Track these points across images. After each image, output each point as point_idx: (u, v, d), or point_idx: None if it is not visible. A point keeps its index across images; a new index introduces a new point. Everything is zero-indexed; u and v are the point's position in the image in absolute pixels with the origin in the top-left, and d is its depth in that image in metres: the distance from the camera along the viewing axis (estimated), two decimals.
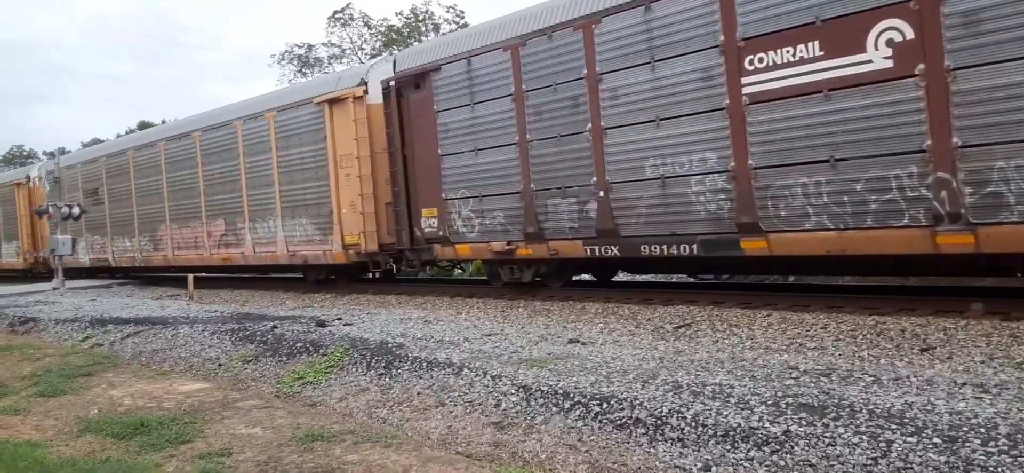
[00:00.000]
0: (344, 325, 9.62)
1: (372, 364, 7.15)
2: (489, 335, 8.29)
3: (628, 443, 4.83)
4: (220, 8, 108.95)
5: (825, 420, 4.51)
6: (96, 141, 49.91)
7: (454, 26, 39.19)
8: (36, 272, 26.17)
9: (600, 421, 5.14)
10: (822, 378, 5.43)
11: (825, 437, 4.32)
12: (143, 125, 49.30)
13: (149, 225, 20.07)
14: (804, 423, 4.51)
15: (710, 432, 4.62)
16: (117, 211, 21.35)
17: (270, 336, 8.90)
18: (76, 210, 20.99)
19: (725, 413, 4.78)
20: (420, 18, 41.02)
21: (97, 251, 22.54)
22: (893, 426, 4.33)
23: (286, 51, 43.91)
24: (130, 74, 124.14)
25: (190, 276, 17.26)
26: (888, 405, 4.64)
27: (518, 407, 5.64)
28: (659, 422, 4.88)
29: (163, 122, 44.78)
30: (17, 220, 26.31)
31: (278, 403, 6.48)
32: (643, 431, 4.88)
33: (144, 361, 8.92)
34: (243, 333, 9.25)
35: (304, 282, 17.71)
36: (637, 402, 5.16)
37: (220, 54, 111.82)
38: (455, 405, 5.94)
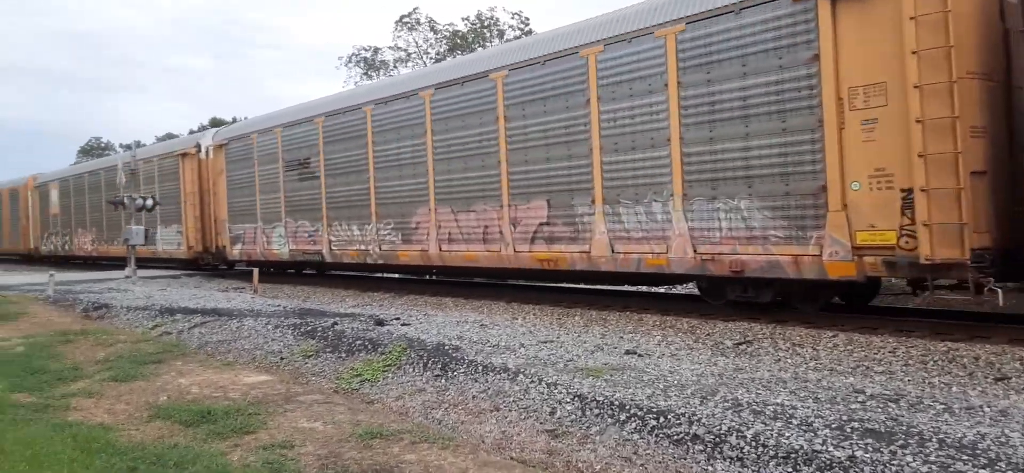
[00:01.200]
0: (402, 325, 9.75)
1: (429, 365, 7.22)
2: (545, 342, 8.28)
3: (685, 459, 4.76)
4: (290, 9, 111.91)
5: (892, 447, 4.37)
6: (169, 136, 51.64)
7: (519, 32, 39.34)
8: (203, 264, 22.96)
9: (656, 435, 5.08)
10: (890, 403, 5.26)
11: (892, 465, 4.18)
12: (215, 122, 50.82)
13: (396, 207, 14.64)
14: (870, 449, 4.38)
15: (771, 453, 4.52)
16: (340, 187, 16.25)
17: (330, 332, 9.07)
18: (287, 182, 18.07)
19: (787, 434, 4.67)
20: (485, 24, 41.34)
21: (303, 241, 17.73)
22: (965, 457, 4.16)
23: (353, 54, 44.81)
24: (203, 70, 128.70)
25: (255, 270, 17.70)
26: (960, 435, 4.47)
27: (573, 416, 5.62)
28: (718, 440, 4.80)
29: (234, 120, 46.09)
30: (181, 200, 22.82)
31: (338, 399, 6.60)
32: (701, 448, 4.81)
33: (210, 351, 9.20)
34: (305, 328, 9.45)
35: (363, 280, 18.13)
36: (695, 418, 5.09)
37: (288, 53, 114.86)
38: (510, 410, 5.95)
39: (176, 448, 5.05)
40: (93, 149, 73.13)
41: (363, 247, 15.62)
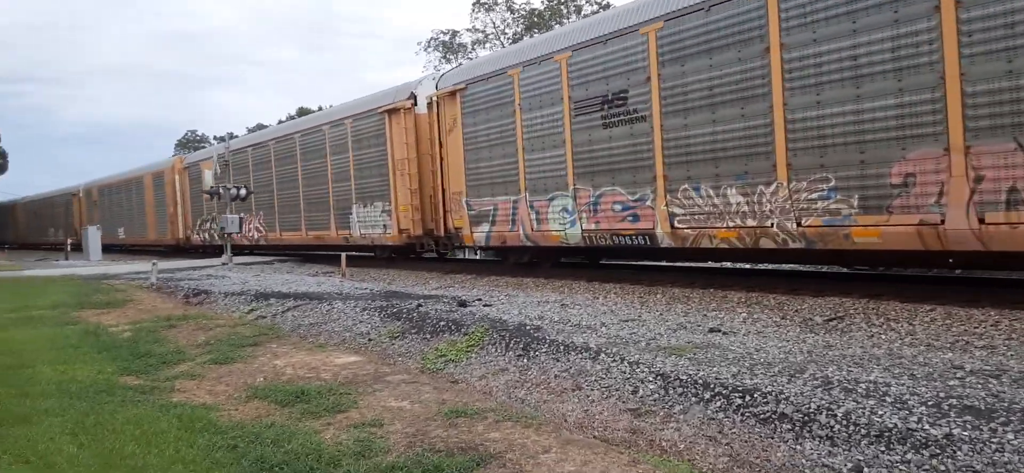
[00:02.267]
0: (484, 306, 9.88)
1: (511, 345, 7.31)
2: (626, 321, 8.25)
3: (772, 438, 4.68)
4: None
5: (993, 425, 4.18)
6: (260, 126, 53.48)
7: (596, 8, 38.92)
8: (424, 251, 18.50)
9: (742, 414, 5.00)
10: (991, 380, 5.01)
11: (992, 442, 4.00)
12: (302, 111, 52.37)
13: (844, 151, 8.93)
14: (969, 427, 4.20)
15: (863, 431, 4.39)
16: (699, 128, 10.59)
17: (415, 314, 9.29)
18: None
19: (880, 412, 4.52)
20: (561, 1, 41.10)
21: (610, 216, 12.23)
22: None
23: (432, 38, 45.34)
24: (293, 61, 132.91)
25: (343, 254, 18.24)
26: None
27: (655, 395, 5.59)
28: (806, 418, 4.69)
29: (319, 108, 47.37)
30: (388, 169, 17.96)
31: (424, 378, 6.77)
32: (788, 427, 4.71)
33: (302, 333, 9.57)
34: (391, 310, 9.71)
35: (446, 262, 18.42)
36: (783, 396, 4.98)
37: (376, 41, 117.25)
38: (592, 390, 5.97)
39: (273, 427, 5.29)
40: (189, 142, 76.71)
41: (754, 222, 9.87)
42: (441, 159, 16.35)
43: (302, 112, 51.17)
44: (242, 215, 24.34)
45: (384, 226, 18.53)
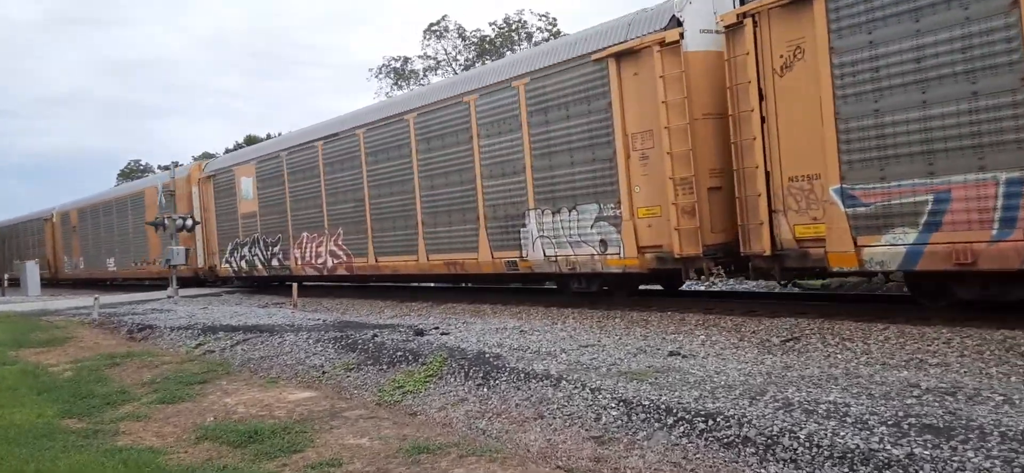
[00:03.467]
0: (441, 334, 9.74)
1: (470, 374, 7.19)
2: (586, 346, 8.21)
3: (737, 463, 4.66)
4: (325, 25, 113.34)
5: (952, 442, 4.22)
6: (206, 155, 52.53)
7: (548, 35, 39.31)
8: (699, 278, 10.95)
9: (706, 439, 4.98)
10: (947, 397, 5.09)
11: (953, 461, 4.04)
12: (250, 140, 51.56)
13: None
14: (929, 445, 4.24)
15: (826, 454, 4.40)
16: None
17: (371, 344, 9.10)
18: None
19: (842, 433, 4.54)
20: (512, 27, 41.39)
21: None
22: None
23: (383, 65, 45.18)
24: (239, 89, 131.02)
25: (294, 285, 17.87)
26: (1022, 427, 4.30)
27: (619, 422, 5.54)
28: (770, 441, 4.69)
29: (268, 136, 46.74)
30: (616, 146, 11.28)
31: (382, 412, 6.60)
32: (752, 450, 4.70)
33: (253, 368, 9.29)
34: (345, 341, 9.50)
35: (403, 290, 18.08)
36: (745, 419, 4.98)
37: (324, 69, 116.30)
38: (554, 418, 5.89)
39: (225, 470, 5.08)
40: (133, 171, 74.73)
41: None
42: (762, 121, 9.27)
43: (251, 140, 50.40)
44: (308, 234, 18.91)
45: (602, 243, 11.62)
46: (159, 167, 64.78)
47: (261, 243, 21.32)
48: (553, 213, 12.39)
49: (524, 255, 12.93)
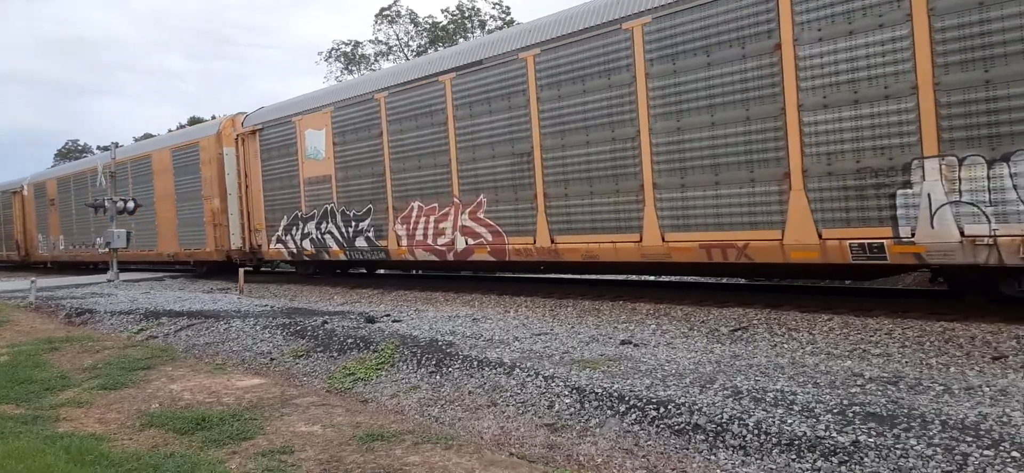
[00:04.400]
0: (393, 322, 9.67)
1: (422, 362, 7.16)
2: (539, 334, 8.24)
3: (687, 449, 4.74)
4: (272, 6, 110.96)
5: (895, 431, 4.37)
6: (148, 135, 51.03)
7: (501, 22, 39.21)
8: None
9: (657, 426, 5.05)
10: (890, 386, 5.26)
11: (897, 448, 4.18)
12: (194, 120, 50.27)
13: None
14: (874, 433, 4.37)
15: (774, 441, 4.50)
16: None
17: (321, 331, 8.98)
18: None
19: (789, 421, 4.66)
20: (466, 15, 41.17)
21: None
22: (968, 438, 4.17)
23: (333, 49, 44.48)
24: (181, 71, 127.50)
25: (241, 270, 17.53)
26: (962, 416, 4.47)
27: (572, 409, 5.58)
28: (719, 429, 4.78)
29: (213, 117, 45.73)
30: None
31: (334, 400, 6.52)
32: (703, 437, 4.79)
33: (198, 354, 9.08)
34: (293, 328, 9.35)
35: (351, 277, 17.89)
36: (696, 407, 5.06)
37: (271, 52, 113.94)
38: (507, 405, 5.90)
39: (172, 457, 4.95)
40: (70, 152, 72.17)
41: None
42: None
43: (194, 121, 49.13)
44: (421, 203, 13.81)
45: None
46: (98, 148, 62.69)
47: (338, 216, 15.99)
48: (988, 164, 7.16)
49: (907, 233, 7.73)
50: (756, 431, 4.66)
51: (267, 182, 18.23)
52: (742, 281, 12.13)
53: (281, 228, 17.74)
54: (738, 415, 4.86)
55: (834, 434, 4.42)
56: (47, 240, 30.38)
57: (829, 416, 4.66)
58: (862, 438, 4.33)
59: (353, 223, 15.67)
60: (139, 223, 22.83)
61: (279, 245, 17.84)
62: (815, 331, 7.67)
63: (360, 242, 15.50)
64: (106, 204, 21.66)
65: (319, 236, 16.57)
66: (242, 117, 19.66)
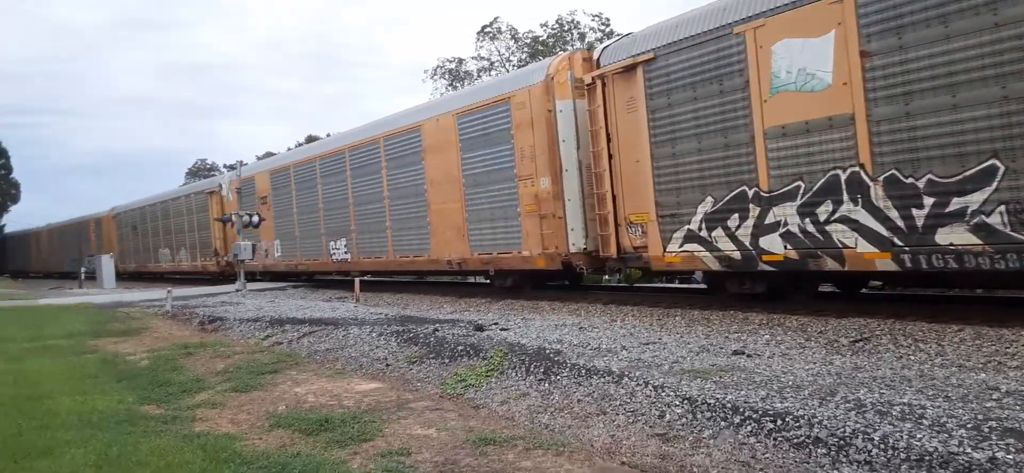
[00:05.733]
0: (501, 330, 9.82)
1: (531, 369, 7.24)
2: (647, 344, 8.17)
3: (808, 464, 4.59)
4: (380, 28, 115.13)
5: None
6: (269, 154, 53.87)
7: (600, 34, 39.10)
8: None
9: (775, 439, 4.92)
10: None
11: None
12: (310, 139, 52.64)
13: None
14: (1012, 450, 4.10)
15: (902, 456, 4.30)
16: None
17: (432, 338, 9.23)
18: None
19: (918, 436, 4.43)
20: (565, 28, 41.32)
21: None
22: None
23: (438, 66, 45.61)
24: (297, 91, 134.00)
25: (357, 279, 18.16)
26: None
27: (683, 419, 5.51)
28: (842, 443, 4.61)
29: (328, 135, 47.69)
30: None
31: (447, 404, 6.70)
32: (824, 451, 4.62)
33: (320, 359, 9.52)
34: (407, 335, 9.65)
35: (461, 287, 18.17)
36: (816, 420, 4.90)
37: (379, 70, 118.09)
38: (617, 414, 5.89)
39: (299, 457, 5.23)
40: (199, 170, 77.14)
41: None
42: None
43: (310, 140, 51.43)
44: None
45: None
46: (224, 166, 66.55)
47: (875, 188, 8.63)
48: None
49: None
50: (882, 446, 4.46)
51: (663, 142, 11.24)
52: (864, 290, 11.59)
53: (699, 218, 10.81)
54: (862, 429, 4.66)
55: (969, 450, 4.18)
56: (257, 246, 24.74)
57: (962, 431, 4.41)
58: (999, 454, 4.07)
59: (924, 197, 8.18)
60: (397, 221, 17.82)
61: (692, 246, 10.97)
62: (944, 342, 7.25)
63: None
64: (232, 218, 23.01)
65: (812, 227, 9.35)
66: (585, 54, 13.63)
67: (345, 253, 20.32)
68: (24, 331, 14.01)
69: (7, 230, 71.88)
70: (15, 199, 74.75)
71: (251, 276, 25.51)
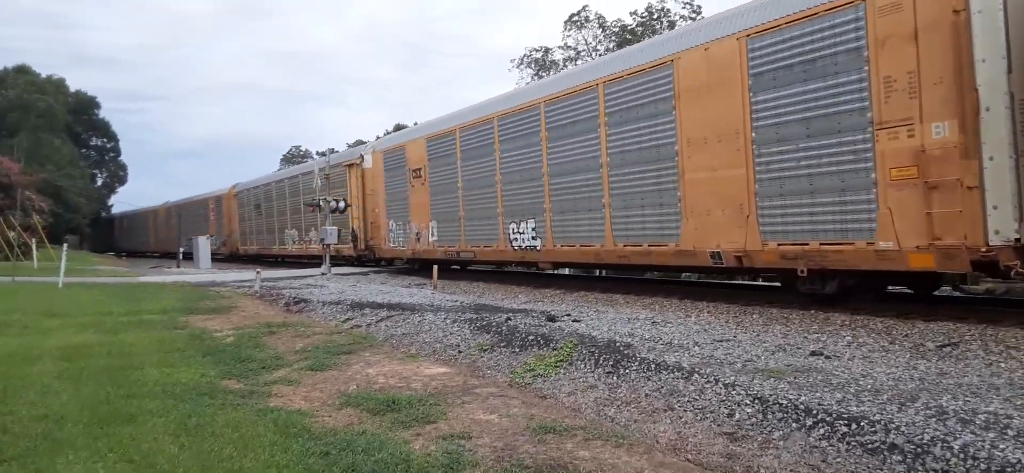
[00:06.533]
0: (573, 321, 9.78)
1: (600, 362, 7.19)
2: (721, 341, 7.99)
3: (881, 470, 4.39)
4: (472, 17, 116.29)
5: None
6: (359, 142, 55.33)
7: (690, 21, 38.32)
8: None
9: (848, 443, 4.73)
10: None
11: None
12: (399, 127, 53.71)
13: None
14: None
15: (982, 466, 4.06)
16: None
17: (504, 327, 9.28)
18: None
19: (1002, 446, 4.18)
20: (655, 16, 40.69)
21: None
22: None
23: (525, 55, 45.69)
24: (390, 79, 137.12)
25: (434, 267, 18.37)
26: None
27: (753, 419, 5.36)
28: (919, 450, 4.39)
29: (415, 123, 48.50)
30: None
31: (513, 392, 6.73)
32: (899, 458, 4.42)
33: (395, 343, 9.72)
34: (480, 323, 9.74)
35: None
36: (892, 426, 4.68)
37: (470, 59, 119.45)
38: (684, 410, 5.78)
39: (364, 435, 5.36)
40: (294, 157, 79.93)
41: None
42: None
43: (399, 127, 52.41)
44: None
45: None
46: (317, 153, 68.68)
47: None
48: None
49: None
50: (962, 455, 4.23)
51: None
52: (955, 293, 10.98)
53: None
54: (941, 437, 4.43)
55: None
56: (404, 228, 21.25)
57: None
58: None
59: None
60: (621, 195, 13.34)
61: None
62: None
63: None
64: (320, 203, 23.64)
65: None
66: None
67: (533, 238, 15.88)
68: (123, 305, 14.86)
69: (115, 210, 76.32)
70: (123, 181, 79.54)
71: (389, 262, 23.61)
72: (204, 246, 33.67)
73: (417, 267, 21.62)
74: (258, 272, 20.00)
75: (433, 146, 19.56)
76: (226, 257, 39.33)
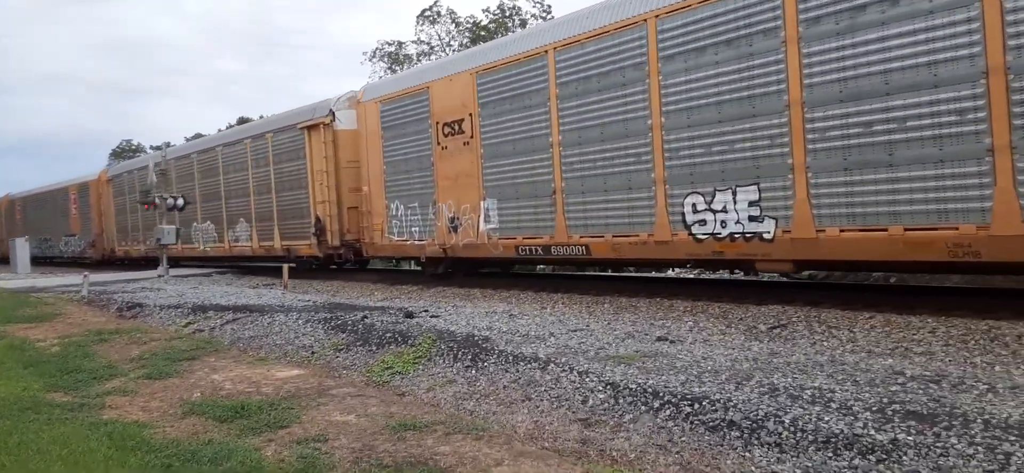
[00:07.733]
0: (431, 317, 9.74)
1: (459, 356, 7.20)
2: (574, 331, 8.23)
3: (722, 446, 4.68)
4: (320, 8, 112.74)
5: (936, 429, 4.26)
6: (198, 136, 52.24)
7: (541, 20, 39.12)
8: None
9: (691, 422, 5.00)
10: (931, 385, 5.13)
11: (937, 447, 4.07)
12: (242, 121, 51.27)
13: None
14: (913, 431, 4.27)
15: (810, 438, 4.43)
16: None
17: (360, 326, 9.09)
18: None
19: (826, 418, 4.57)
20: (507, 14, 41.19)
21: None
22: (1011, 437, 4.05)
23: (377, 49, 44.91)
24: (232, 73, 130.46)
25: (285, 266, 17.59)
26: (1005, 415, 4.34)
27: (605, 404, 5.56)
28: (755, 425, 4.72)
29: (261, 117, 46.38)
30: None
31: (370, 391, 6.60)
32: (737, 434, 4.73)
33: (242, 347, 9.27)
34: (335, 322, 9.49)
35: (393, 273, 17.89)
36: (731, 404, 5.00)
37: (319, 53, 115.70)
38: (541, 400, 5.91)
39: (210, 444, 5.07)
40: (124, 151, 74.27)
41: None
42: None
43: (242, 121, 50.07)
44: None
45: None
46: (151, 147, 64.28)
47: None
48: None
49: None
50: (792, 428, 4.58)
51: None
52: (783, 278, 11.92)
53: None
54: (774, 412, 4.78)
55: (872, 432, 4.33)
56: (423, 213, 14.79)
57: (868, 414, 4.56)
58: (901, 436, 4.23)
59: None
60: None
61: None
62: (856, 329, 7.51)
63: None
64: (156, 201, 22.17)
65: None
66: None
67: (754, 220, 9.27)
68: None
69: None
70: None
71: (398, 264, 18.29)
72: (22, 248, 30.61)
73: (445, 271, 15.36)
74: (86, 275, 18.44)
75: (491, 82, 12.92)
76: (96, 262, 30.48)
